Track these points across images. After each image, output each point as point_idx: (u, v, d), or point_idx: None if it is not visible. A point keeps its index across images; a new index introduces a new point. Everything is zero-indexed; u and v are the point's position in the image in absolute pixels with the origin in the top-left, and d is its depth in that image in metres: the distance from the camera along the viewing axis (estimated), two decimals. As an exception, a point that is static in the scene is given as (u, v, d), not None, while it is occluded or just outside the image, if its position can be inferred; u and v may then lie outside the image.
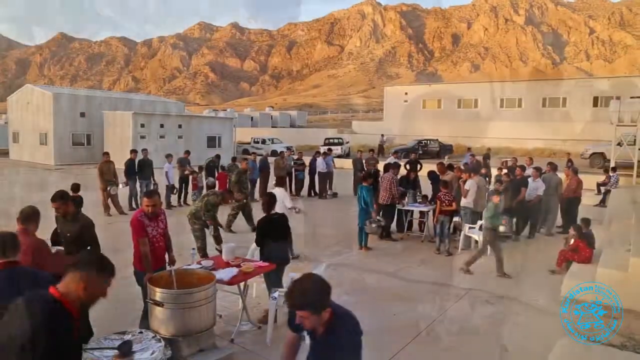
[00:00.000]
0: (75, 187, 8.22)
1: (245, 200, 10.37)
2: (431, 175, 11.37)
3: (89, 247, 4.62)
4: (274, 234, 5.63)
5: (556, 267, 7.59)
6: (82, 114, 28.22)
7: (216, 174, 14.46)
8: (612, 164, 16.51)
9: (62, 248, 4.56)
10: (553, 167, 10.77)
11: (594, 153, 23.85)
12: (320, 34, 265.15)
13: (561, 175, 11.10)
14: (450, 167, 10.92)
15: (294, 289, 2.43)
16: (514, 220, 9.49)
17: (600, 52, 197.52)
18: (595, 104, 36.18)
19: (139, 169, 12.90)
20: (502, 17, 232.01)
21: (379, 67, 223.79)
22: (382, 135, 34.95)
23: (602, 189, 14.86)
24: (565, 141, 29.65)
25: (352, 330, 2.49)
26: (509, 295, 6.56)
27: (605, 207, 12.90)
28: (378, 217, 8.90)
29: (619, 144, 18.13)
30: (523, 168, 10.86)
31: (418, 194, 10.47)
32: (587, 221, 8.07)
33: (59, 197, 4.65)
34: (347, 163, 21.08)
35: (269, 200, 5.90)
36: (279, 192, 8.31)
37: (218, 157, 15.59)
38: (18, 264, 2.86)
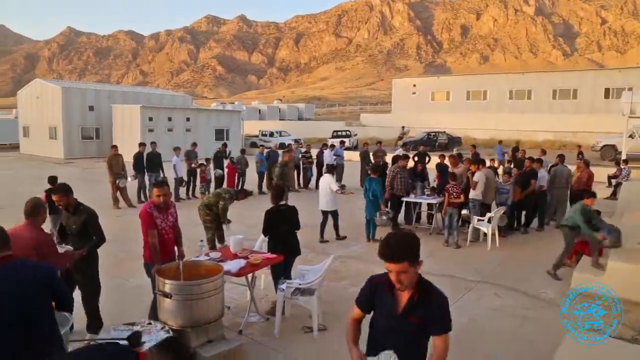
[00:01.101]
0: (52, 180, 8.12)
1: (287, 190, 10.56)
2: (439, 167, 11.31)
3: (94, 238, 4.64)
4: (282, 226, 5.63)
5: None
6: (91, 108, 28.39)
7: (225, 164, 14.42)
8: (623, 156, 16.31)
9: (71, 248, 4.54)
10: (562, 159, 10.69)
11: (605, 145, 23.52)
12: (327, 26, 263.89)
13: (572, 167, 11.00)
14: (460, 156, 10.87)
15: (390, 241, 2.29)
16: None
17: (613, 42, 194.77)
18: (606, 96, 35.74)
19: (147, 162, 12.98)
20: (511, 8, 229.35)
21: (387, 59, 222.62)
22: (403, 127, 34.36)
23: (613, 181, 14.70)
24: (576, 133, 29.31)
25: (439, 291, 2.43)
26: (517, 288, 6.53)
27: (617, 200, 12.76)
28: (387, 209, 8.89)
29: (631, 136, 17.90)
30: (532, 160, 10.77)
31: (426, 186, 10.43)
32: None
33: (60, 190, 4.61)
34: (355, 155, 21.02)
35: (277, 192, 5.90)
36: (327, 178, 9.01)
37: (225, 145, 15.55)
38: (12, 257, 2.75)
